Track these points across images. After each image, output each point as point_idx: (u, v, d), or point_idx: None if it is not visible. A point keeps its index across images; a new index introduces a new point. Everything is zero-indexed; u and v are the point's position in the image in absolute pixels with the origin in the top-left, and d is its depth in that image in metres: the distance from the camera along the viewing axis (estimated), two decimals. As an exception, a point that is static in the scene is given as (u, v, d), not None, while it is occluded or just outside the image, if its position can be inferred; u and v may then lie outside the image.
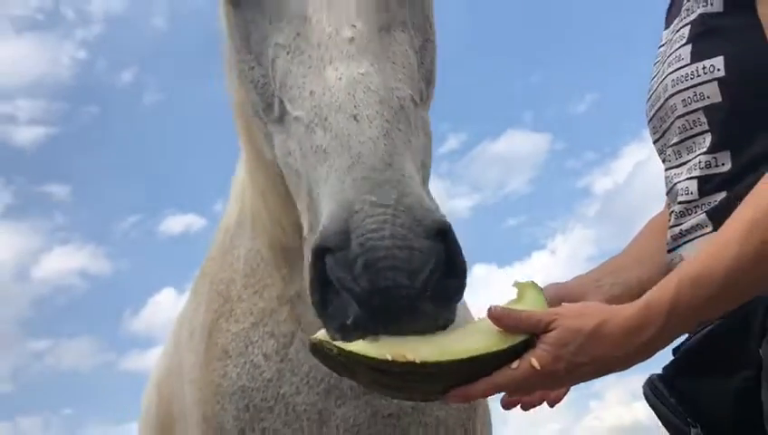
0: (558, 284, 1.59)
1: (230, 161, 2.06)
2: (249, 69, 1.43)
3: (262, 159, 1.66)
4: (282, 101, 1.34)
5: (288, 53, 1.32)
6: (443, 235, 1.11)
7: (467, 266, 1.15)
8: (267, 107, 1.40)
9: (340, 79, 1.23)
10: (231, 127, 1.80)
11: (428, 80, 1.46)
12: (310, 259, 1.15)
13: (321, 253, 1.12)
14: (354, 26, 1.29)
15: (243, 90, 1.54)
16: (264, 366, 1.78)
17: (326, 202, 1.16)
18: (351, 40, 1.27)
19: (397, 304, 1.07)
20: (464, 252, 1.15)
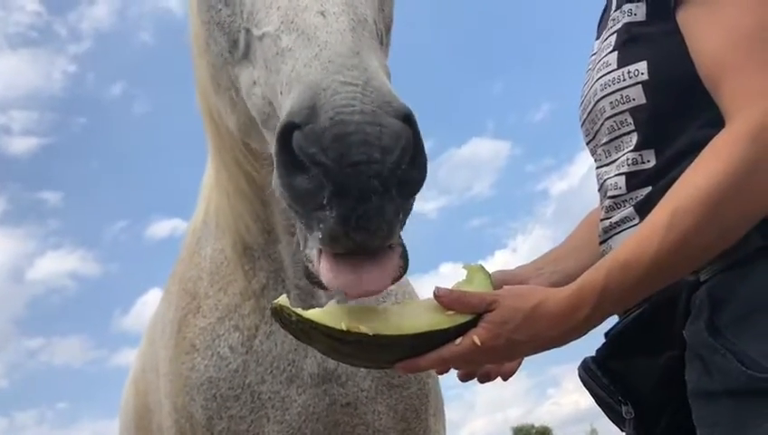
0: (504, 271, 1.62)
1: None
2: (216, 12, 1.36)
3: (224, 156, 1.66)
4: (248, 31, 1.27)
5: None
6: (408, 121, 1.03)
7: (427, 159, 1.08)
8: (233, 45, 1.33)
9: None
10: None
11: (387, 26, 1.42)
12: (275, 145, 1.05)
13: (288, 130, 1.02)
14: None
15: (205, 54, 1.47)
16: (230, 358, 1.76)
17: (292, 90, 1.07)
18: None
19: (369, 183, 0.98)
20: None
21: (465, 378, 1.51)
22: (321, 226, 1.03)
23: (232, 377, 1.74)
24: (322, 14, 1.13)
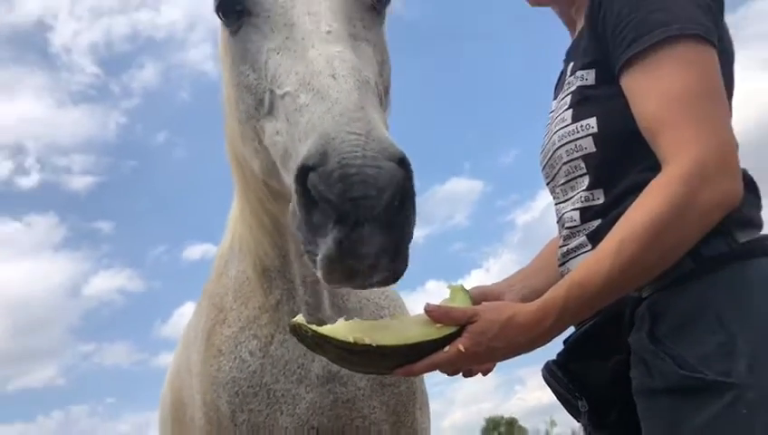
0: (482, 286, 1.74)
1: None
2: (245, 77, 1.48)
3: (248, 195, 1.81)
4: (272, 91, 1.39)
5: (278, 53, 1.38)
6: (402, 163, 1.15)
7: (416, 195, 1.19)
8: (259, 103, 1.44)
9: (320, 55, 1.30)
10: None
11: (386, 89, 1.51)
12: (293, 184, 1.18)
13: (304, 172, 1.15)
14: (330, 26, 1.37)
15: (235, 112, 1.57)
16: (249, 361, 1.89)
17: (308, 138, 1.19)
18: (329, 32, 1.35)
19: (364, 213, 1.10)
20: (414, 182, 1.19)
21: (453, 374, 1.57)
22: (318, 251, 1.16)
23: (251, 377, 1.87)
24: (333, 76, 1.25)
